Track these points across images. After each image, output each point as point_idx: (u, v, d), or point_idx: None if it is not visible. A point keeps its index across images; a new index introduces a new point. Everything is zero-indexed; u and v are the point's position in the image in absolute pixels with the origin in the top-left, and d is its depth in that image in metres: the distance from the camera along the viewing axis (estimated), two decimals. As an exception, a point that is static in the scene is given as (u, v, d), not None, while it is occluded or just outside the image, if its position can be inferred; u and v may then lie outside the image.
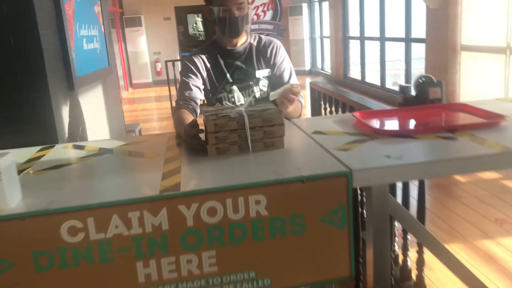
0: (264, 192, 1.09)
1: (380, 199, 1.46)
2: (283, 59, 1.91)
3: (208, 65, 1.86)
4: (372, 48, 9.29)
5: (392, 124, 1.67)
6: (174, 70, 7.58)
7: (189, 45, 12.59)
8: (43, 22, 2.18)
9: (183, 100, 1.78)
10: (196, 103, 1.80)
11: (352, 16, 9.92)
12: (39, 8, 2.12)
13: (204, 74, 1.86)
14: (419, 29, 7.13)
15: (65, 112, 2.40)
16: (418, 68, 8.79)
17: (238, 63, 1.87)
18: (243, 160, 1.30)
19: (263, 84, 1.89)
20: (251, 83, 1.87)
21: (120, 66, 11.03)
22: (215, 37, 1.91)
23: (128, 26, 11.78)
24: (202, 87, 1.85)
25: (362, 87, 8.96)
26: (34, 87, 2.15)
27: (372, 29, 8.82)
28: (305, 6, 12.17)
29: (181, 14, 12.46)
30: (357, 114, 1.67)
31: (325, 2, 11.18)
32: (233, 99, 1.86)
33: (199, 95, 1.82)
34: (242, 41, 1.88)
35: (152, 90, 11.74)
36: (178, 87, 1.84)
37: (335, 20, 10.13)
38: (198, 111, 1.81)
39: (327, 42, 11.43)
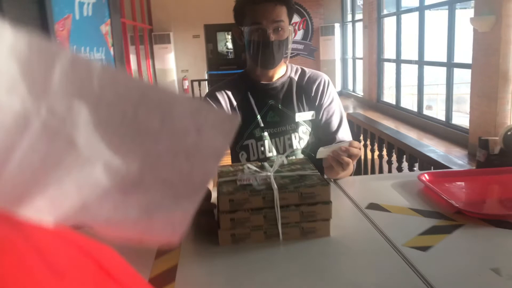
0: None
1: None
2: (331, 99, 1.50)
3: (235, 103, 1.47)
4: (407, 70, 8.80)
5: (480, 198, 1.21)
6: (200, 90, 7.30)
7: (217, 64, 12.39)
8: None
9: None
10: None
11: (387, 38, 9.46)
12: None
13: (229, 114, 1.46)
14: (461, 53, 6.64)
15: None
16: (458, 94, 8.23)
17: (273, 102, 1.47)
18: (270, 254, 0.89)
19: (304, 131, 1.48)
20: (288, 128, 1.46)
21: (147, 83, 10.83)
22: (246, 68, 1.53)
23: (156, 43, 11.65)
24: None
25: (396, 112, 8.44)
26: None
27: (409, 52, 8.33)
28: (337, 26, 11.79)
29: (211, 32, 12.27)
30: (425, 177, 1.24)
31: (359, 22, 10.77)
32: (262, 148, 1.45)
33: None
34: (280, 74, 1.49)
35: (178, 108, 11.50)
36: None
37: (370, 41, 9.68)
38: None
39: (359, 63, 10.98)
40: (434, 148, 2.06)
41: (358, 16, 10.98)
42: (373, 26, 9.47)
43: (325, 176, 1.34)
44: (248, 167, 1.02)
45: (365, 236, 0.96)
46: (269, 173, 1.01)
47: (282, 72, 1.49)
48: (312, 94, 1.48)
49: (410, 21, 8.18)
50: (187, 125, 0.31)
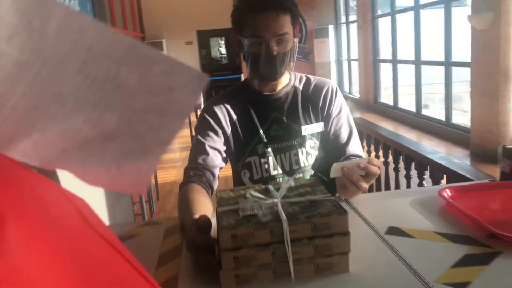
0: None
1: None
2: (340, 108, 1.37)
3: (234, 117, 1.34)
4: (403, 70, 8.70)
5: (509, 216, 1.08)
6: (194, 97, 7.17)
7: (211, 69, 12.28)
8: None
9: (194, 169, 1.25)
10: (212, 173, 1.27)
11: (383, 38, 9.37)
12: None
13: (228, 130, 1.33)
14: (458, 52, 6.54)
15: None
16: (455, 93, 8.13)
17: (277, 114, 1.34)
18: (280, 298, 0.76)
19: (311, 145, 1.35)
20: (294, 143, 1.33)
21: (140, 91, 10.72)
22: (246, 79, 1.40)
23: (149, 50, 11.52)
24: (223, 148, 1.32)
25: (394, 113, 8.33)
26: None
27: (405, 52, 8.25)
28: (331, 28, 11.69)
29: (204, 38, 12.17)
30: (446, 193, 1.12)
31: (353, 24, 10.69)
32: (266, 166, 1.33)
33: (218, 162, 1.29)
34: (283, 84, 1.36)
35: (173, 116, 11.38)
36: (191, 146, 1.32)
37: (364, 42, 9.59)
38: (216, 185, 1.28)
39: (354, 65, 10.89)
40: (445, 155, 1.95)
41: (352, 17, 10.90)
42: (368, 27, 9.38)
43: (337, 194, 1.22)
44: (251, 194, 0.89)
45: (389, 269, 0.83)
46: (275, 200, 0.88)
47: (286, 81, 1.36)
48: (320, 104, 1.35)
49: (405, 20, 8.10)
50: (161, 83, 0.32)
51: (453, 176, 1.74)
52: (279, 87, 1.35)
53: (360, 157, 1.33)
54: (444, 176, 1.88)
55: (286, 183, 0.94)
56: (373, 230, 0.99)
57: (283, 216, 0.81)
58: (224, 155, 1.32)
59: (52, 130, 0.30)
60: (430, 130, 6.77)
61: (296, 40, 1.26)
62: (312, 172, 1.35)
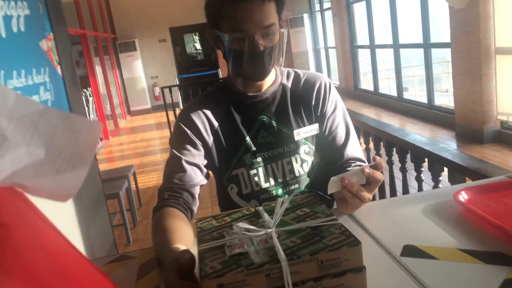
0: None
1: None
2: (335, 105, 1.19)
3: (215, 124, 1.15)
4: (381, 55, 8.61)
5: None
6: (171, 96, 6.94)
7: (187, 66, 12.02)
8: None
9: (170, 190, 1.06)
10: (191, 194, 1.07)
11: (359, 24, 9.26)
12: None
13: (209, 140, 1.14)
14: (435, 33, 6.46)
15: None
16: (435, 74, 8.07)
17: (265, 118, 1.16)
18: None
19: (306, 151, 1.18)
20: (286, 150, 1.16)
21: (116, 94, 10.42)
22: (226, 78, 1.19)
23: (122, 51, 11.18)
24: (204, 163, 1.13)
25: (376, 99, 8.25)
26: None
27: (383, 36, 8.14)
28: (306, 16, 11.54)
29: (177, 35, 11.88)
30: (463, 197, 0.97)
31: (328, 11, 10.55)
32: (256, 178, 1.15)
33: (197, 180, 1.09)
34: (269, 82, 1.17)
35: (152, 117, 11.10)
36: (166, 161, 1.13)
37: (341, 29, 9.46)
38: (196, 207, 1.10)
39: (332, 52, 10.78)
40: (445, 146, 1.81)
41: (326, 4, 10.76)
42: (343, 13, 9.25)
43: (334, 206, 1.06)
44: (239, 226, 0.72)
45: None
46: (269, 230, 0.72)
47: (272, 79, 1.18)
48: (313, 103, 1.17)
49: (380, 4, 7.99)
50: (70, 135, 0.47)
51: (456, 169, 1.60)
52: (265, 86, 1.17)
53: (360, 160, 1.17)
54: (445, 169, 1.74)
55: (281, 206, 0.77)
56: (385, 251, 0.84)
57: (281, 254, 0.64)
58: (205, 170, 1.14)
59: (4, 159, 0.43)
60: (413, 113, 6.70)
61: (284, 30, 1.08)
62: (308, 180, 1.19)
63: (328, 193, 0.91)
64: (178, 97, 8.38)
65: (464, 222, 0.91)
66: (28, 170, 0.44)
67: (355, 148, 1.18)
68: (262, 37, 1.02)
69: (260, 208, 0.82)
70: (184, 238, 0.91)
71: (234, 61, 1.07)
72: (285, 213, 0.79)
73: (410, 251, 0.82)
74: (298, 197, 0.87)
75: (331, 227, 0.71)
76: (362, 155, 1.19)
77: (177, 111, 7.60)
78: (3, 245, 0.32)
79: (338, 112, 1.19)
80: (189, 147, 1.11)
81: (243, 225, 0.72)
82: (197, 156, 1.11)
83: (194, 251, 0.73)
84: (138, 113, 11.55)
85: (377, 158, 0.92)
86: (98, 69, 8.97)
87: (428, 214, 0.97)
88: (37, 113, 0.44)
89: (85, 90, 7.94)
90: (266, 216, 0.78)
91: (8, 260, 0.31)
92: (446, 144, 5.16)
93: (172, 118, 7.19)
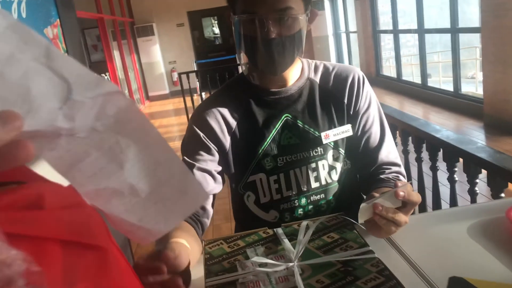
0: None
1: None
2: (369, 102, 1.05)
3: (233, 124, 1.01)
4: (403, 40, 8.32)
5: None
6: (188, 82, 6.84)
7: (205, 51, 11.87)
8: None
9: None
10: (202, 206, 0.95)
11: (382, 8, 8.94)
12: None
13: (227, 143, 1.01)
14: (462, 16, 6.16)
15: None
16: (463, 60, 7.76)
17: (289, 116, 1.02)
18: None
19: (335, 156, 1.04)
20: (312, 154, 1.02)
21: (134, 79, 10.37)
22: (245, 71, 1.04)
23: (140, 36, 11.10)
24: (218, 169, 1.00)
25: (398, 85, 7.99)
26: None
27: (407, 21, 7.84)
28: (326, 0, 11.23)
29: (195, 19, 11.71)
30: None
31: (349, -6, 10.23)
32: (276, 185, 1.02)
33: (209, 188, 0.97)
34: (295, 76, 1.03)
35: (170, 102, 11.04)
36: None
37: (363, 13, 9.16)
38: (208, 219, 0.98)
39: (353, 37, 10.48)
40: (483, 145, 1.65)
41: (348, -13, 10.43)
42: (366, -4, 8.94)
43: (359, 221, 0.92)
44: (253, 260, 0.60)
45: None
46: (290, 264, 0.59)
47: (297, 72, 1.04)
48: (345, 100, 1.03)
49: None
50: (178, 184, 0.38)
51: (497, 173, 1.44)
52: (290, 80, 1.02)
53: (395, 164, 1.03)
54: (482, 172, 1.59)
55: (305, 231, 0.64)
56: (427, 284, 0.70)
57: (306, 302, 0.52)
58: (219, 177, 1.01)
59: (105, 187, 0.36)
60: (437, 101, 6.45)
61: (305, 18, 0.94)
62: (337, 189, 1.05)
63: (359, 222, 0.77)
64: (195, 83, 8.27)
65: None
66: (123, 203, 0.37)
67: (390, 151, 1.04)
68: (275, 22, 0.88)
69: (280, 231, 0.70)
70: (191, 254, 0.80)
71: (246, 49, 0.93)
72: (310, 238, 0.66)
73: (458, 285, 0.69)
74: (326, 218, 0.74)
75: (367, 263, 0.59)
76: (398, 159, 1.05)
77: (195, 98, 7.52)
78: (102, 269, 0.31)
79: (372, 109, 1.04)
80: (202, 152, 0.98)
81: (260, 259, 0.59)
82: (210, 162, 0.99)
83: (199, 268, 0.61)
84: (157, 98, 11.50)
85: (400, 193, 0.75)
86: (116, 54, 8.91)
87: (475, 234, 0.83)
88: (163, 153, 0.37)
89: (103, 75, 7.90)
90: (286, 242, 0.65)
91: (105, 285, 0.31)
92: (474, 135, 4.94)
93: (189, 104, 7.11)
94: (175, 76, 11.60)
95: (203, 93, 7.43)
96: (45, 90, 0.29)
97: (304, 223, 0.67)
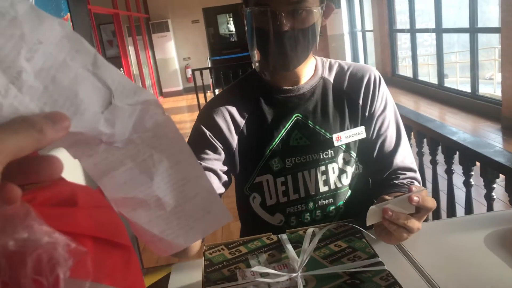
0: None
1: None
2: (385, 104, 1.00)
3: (242, 123, 0.98)
4: (421, 39, 8.18)
5: None
6: (202, 78, 6.83)
7: (220, 48, 11.85)
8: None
9: None
10: None
11: (399, 6, 8.81)
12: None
13: (234, 142, 0.98)
14: (481, 16, 6.03)
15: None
16: (481, 61, 7.61)
17: (300, 116, 0.98)
18: None
19: (346, 159, 0.99)
20: (322, 156, 0.98)
21: (148, 75, 10.42)
22: (257, 67, 0.99)
23: (155, 32, 11.13)
24: (223, 169, 0.97)
25: (414, 86, 7.87)
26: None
27: (424, 20, 7.72)
28: (343, -2, 11.12)
29: (210, 16, 11.70)
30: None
31: (366, -8, 10.11)
32: (284, 188, 0.98)
33: (215, 186, 0.94)
34: (308, 74, 1.00)
35: (184, 99, 11.06)
36: None
37: (379, 12, 9.04)
38: None
39: (369, 36, 10.36)
40: (501, 148, 1.59)
41: (365, -15, 10.30)
42: (383, -6, 8.82)
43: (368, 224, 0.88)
44: (256, 271, 0.56)
45: None
46: (293, 274, 0.55)
47: (311, 70, 1.00)
48: (360, 102, 0.99)
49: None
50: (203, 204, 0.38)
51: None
52: (303, 78, 0.99)
53: (411, 170, 0.99)
54: (499, 176, 1.52)
55: (310, 239, 0.61)
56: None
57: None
58: (224, 177, 0.98)
59: (135, 196, 0.36)
60: (454, 103, 6.33)
61: (320, 11, 0.90)
62: (348, 194, 1.01)
63: (367, 225, 0.73)
64: (209, 79, 8.28)
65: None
66: (148, 215, 0.38)
67: (406, 156, 0.99)
68: (289, 14, 0.85)
69: (284, 236, 0.66)
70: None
71: (257, 43, 0.90)
72: (316, 245, 0.62)
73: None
74: (333, 225, 0.70)
75: (376, 275, 0.55)
76: (413, 164, 1.01)
77: (208, 94, 7.51)
78: (127, 267, 0.33)
79: (388, 111, 1.00)
80: (208, 150, 0.95)
81: (261, 268, 0.56)
82: (216, 161, 0.96)
83: (197, 274, 0.58)
84: (170, 94, 11.53)
85: (415, 199, 0.71)
86: (131, 50, 8.95)
87: (493, 245, 0.78)
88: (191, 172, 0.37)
89: (117, 70, 7.93)
90: (290, 250, 0.62)
91: (127, 283, 0.32)
92: (491, 138, 4.83)
93: (202, 101, 7.10)
94: (189, 72, 11.62)
95: (216, 90, 7.41)
96: (90, 95, 0.31)
97: (310, 230, 0.63)
